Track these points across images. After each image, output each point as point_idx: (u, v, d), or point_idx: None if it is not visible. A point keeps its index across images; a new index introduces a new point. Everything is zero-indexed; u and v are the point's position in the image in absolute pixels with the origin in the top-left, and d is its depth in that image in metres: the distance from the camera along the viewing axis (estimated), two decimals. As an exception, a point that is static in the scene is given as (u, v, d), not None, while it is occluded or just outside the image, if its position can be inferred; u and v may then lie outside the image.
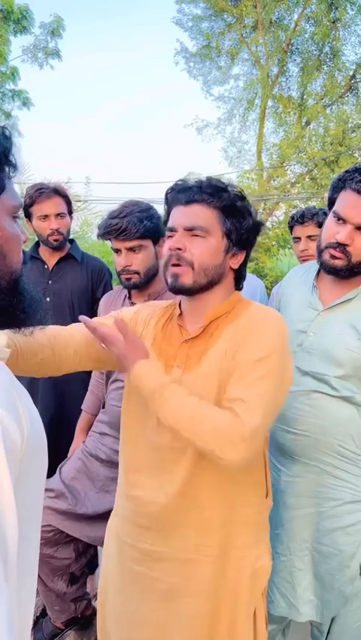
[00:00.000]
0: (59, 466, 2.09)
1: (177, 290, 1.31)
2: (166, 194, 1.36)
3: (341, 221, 1.53)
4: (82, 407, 2.30)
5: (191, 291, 1.31)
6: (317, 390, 1.55)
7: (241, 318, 1.31)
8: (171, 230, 1.31)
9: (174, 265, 1.29)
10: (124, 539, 1.45)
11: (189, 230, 1.28)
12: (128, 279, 1.95)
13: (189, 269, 1.28)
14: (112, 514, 1.56)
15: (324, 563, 1.58)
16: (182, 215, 1.30)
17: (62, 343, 1.34)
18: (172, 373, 1.32)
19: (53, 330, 1.35)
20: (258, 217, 1.36)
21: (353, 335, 1.53)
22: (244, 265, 1.38)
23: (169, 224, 1.32)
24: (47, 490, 1.95)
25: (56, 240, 2.43)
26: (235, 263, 1.35)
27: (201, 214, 1.28)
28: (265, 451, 1.41)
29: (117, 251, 1.95)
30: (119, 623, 1.47)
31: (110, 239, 1.93)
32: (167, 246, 1.31)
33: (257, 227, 1.35)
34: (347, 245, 1.52)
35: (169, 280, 1.31)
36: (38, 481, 0.82)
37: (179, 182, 1.34)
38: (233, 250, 1.32)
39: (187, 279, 1.28)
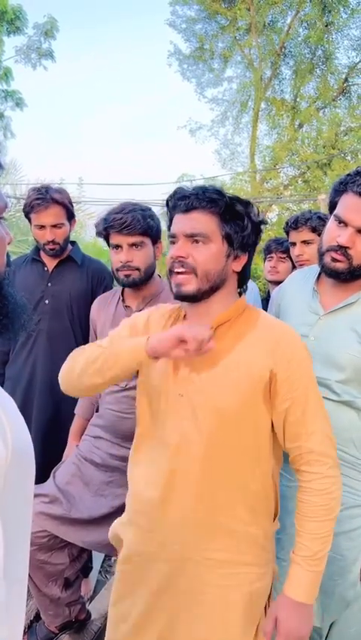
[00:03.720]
0: (53, 470, 2.06)
1: (182, 297, 1.34)
2: (167, 201, 1.39)
3: (342, 224, 1.53)
4: (75, 411, 2.27)
5: (195, 298, 1.33)
6: None
7: (263, 329, 1.34)
8: (173, 237, 1.34)
9: (178, 273, 1.32)
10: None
11: (190, 236, 1.31)
12: (128, 276, 1.93)
13: (192, 275, 1.30)
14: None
15: (325, 567, 1.57)
16: (182, 223, 1.32)
17: None
18: (178, 375, 1.35)
19: None
20: (259, 217, 1.37)
21: (354, 339, 1.53)
22: (247, 267, 1.39)
23: (171, 232, 1.36)
24: (41, 495, 1.92)
25: (52, 249, 2.42)
26: (238, 266, 1.36)
27: (201, 220, 1.30)
28: (276, 473, 1.43)
29: (117, 247, 1.93)
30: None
31: (108, 235, 1.91)
32: (169, 254, 1.34)
33: (258, 228, 1.37)
34: (348, 248, 1.52)
35: (174, 289, 1.33)
36: (25, 491, 0.80)
37: (178, 190, 1.36)
38: (235, 253, 1.34)
39: (191, 286, 1.31)
